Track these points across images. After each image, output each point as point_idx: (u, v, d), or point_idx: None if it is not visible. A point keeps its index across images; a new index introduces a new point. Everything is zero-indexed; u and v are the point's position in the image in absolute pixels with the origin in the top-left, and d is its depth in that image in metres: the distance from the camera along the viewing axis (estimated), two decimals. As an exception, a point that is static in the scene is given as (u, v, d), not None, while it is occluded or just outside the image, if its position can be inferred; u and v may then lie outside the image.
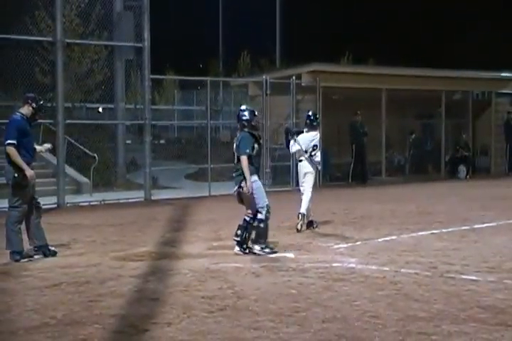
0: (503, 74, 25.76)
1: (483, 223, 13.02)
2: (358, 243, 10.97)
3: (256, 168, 9.95)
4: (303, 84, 20.88)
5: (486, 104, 25.98)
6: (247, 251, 9.90)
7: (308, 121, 12.47)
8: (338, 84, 21.15)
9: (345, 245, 10.78)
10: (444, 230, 12.22)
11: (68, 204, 16.28)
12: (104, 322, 6.56)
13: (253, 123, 10.06)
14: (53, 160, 17.54)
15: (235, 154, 9.91)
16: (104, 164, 19.20)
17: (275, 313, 6.83)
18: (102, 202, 16.71)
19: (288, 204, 16.15)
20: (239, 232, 9.92)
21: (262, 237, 9.81)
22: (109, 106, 22.12)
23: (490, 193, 18.83)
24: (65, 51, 16.90)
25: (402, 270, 8.85)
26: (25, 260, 9.57)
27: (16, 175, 9.45)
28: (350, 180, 21.71)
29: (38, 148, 9.95)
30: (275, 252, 9.88)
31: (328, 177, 22.20)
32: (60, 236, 11.23)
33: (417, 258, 9.64)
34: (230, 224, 12.87)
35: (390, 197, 17.98)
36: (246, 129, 9.98)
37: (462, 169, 24.36)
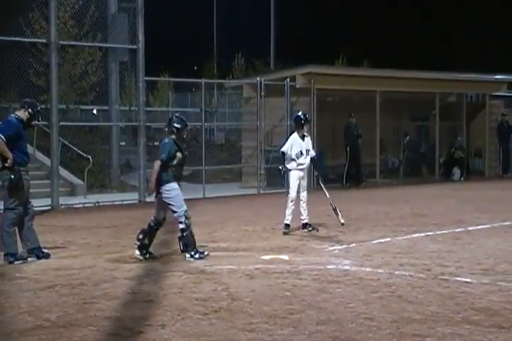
0: (497, 76, 25.85)
1: (478, 225, 13.04)
2: (353, 245, 10.98)
3: (176, 176, 9.71)
4: (297, 86, 20.89)
5: (480, 106, 26.06)
6: (147, 256, 9.72)
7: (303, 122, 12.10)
8: (332, 86, 21.17)
9: (339, 247, 10.79)
10: (438, 232, 12.24)
11: (62, 206, 16.25)
12: (99, 324, 6.56)
13: (183, 136, 9.85)
14: (47, 162, 17.52)
15: None
16: (99, 166, 19.19)
17: (269, 315, 6.83)
18: (96, 204, 16.69)
19: (282, 207, 16.14)
20: (140, 236, 9.75)
21: (189, 245, 9.60)
22: (104, 108, 22.14)
23: (484, 195, 18.87)
24: (59, 53, 16.87)
25: (397, 272, 8.86)
26: (20, 262, 9.54)
27: (13, 176, 9.43)
28: (344, 182, 21.71)
29: None
30: (207, 255, 9.66)
31: (323, 179, 22.15)
32: (54, 238, 11.22)
33: (411, 260, 9.65)
34: (225, 226, 12.89)
35: (385, 199, 18.00)
36: (173, 136, 9.77)
37: (456, 171, 24.41)
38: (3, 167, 9.49)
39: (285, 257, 9.98)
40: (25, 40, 17.70)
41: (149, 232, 9.81)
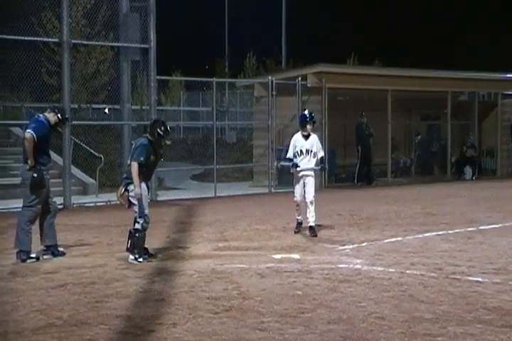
0: (509, 75, 25.72)
1: (490, 224, 13.00)
2: (364, 244, 10.96)
3: (145, 177, 9.64)
4: (308, 85, 20.88)
5: (492, 105, 25.94)
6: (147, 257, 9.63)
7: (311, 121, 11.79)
8: (343, 85, 21.13)
9: (350, 246, 10.78)
10: (449, 231, 12.20)
11: (74, 205, 16.30)
12: (110, 323, 6.57)
13: (162, 143, 9.85)
14: (59, 161, 17.56)
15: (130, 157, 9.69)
16: (110, 165, 19.22)
17: (280, 314, 6.83)
18: (108, 203, 16.73)
19: (293, 206, 16.15)
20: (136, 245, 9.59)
21: (136, 247, 9.48)
22: (115, 107, 22.13)
23: (496, 194, 18.80)
24: (71, 52, 16.92)
25: (408, 271, 8.85)
26: (32, 260, 9.57)
27: (35, 175, 9.55)
28: (355, 181, 21.69)
29: None
30: (148, 261, 9.51)
31: (334, 178, 22.18)
32: (66, 236, 11.25)
33: (422, 259, 9.63)
34: (236, 225, 12.90)
35: (396, 199, 17.96)
36: (150, 137, 9.73)
37: (468, 170, 24.33)
38: (26, 165, 9.61)
39: (296, 256, 9.97)
40: (38, 39, 17.74)
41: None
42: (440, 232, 12.11)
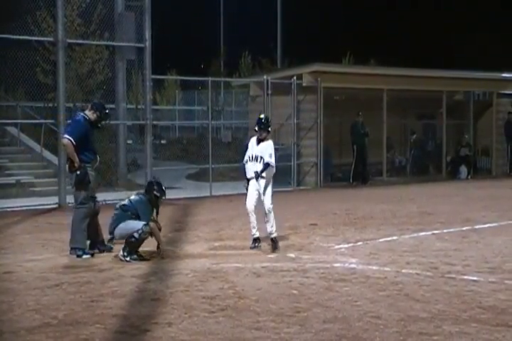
0: (504, 74, 25.76)
1: (485, 223, 13.02)
2: (359, 243, 10.98)
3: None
4: (304, 85, 20.87)
5: (487, 104, 25.96)
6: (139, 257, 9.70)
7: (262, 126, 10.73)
8: (339, 85, 21.14)
9: (346, 245, 10.79)
10: (445, 230, 12.22)
11: (70, 204, 16.24)
12: (106, 323, 6.57)
13: (159, 202, 10.03)
14: (55, 160, 17.55)
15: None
16: (106, 164, 19.17)
17: (276, 313, 6.83)
18: (103, 203, 16.68)
19: (289, 205, 16.13)
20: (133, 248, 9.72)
21: (129, 247, 9.60)
22: (111, 106, 22.12)
23: (491, 194, 18.82)
24: (66, 51, 16.89)
25: (403, 270, 8.86)
26: (88, 256, 9.79)
27: (78, 172, 9.76)
28: (351, 181, 21.68)
29: None
30: (134, 260, 9.57)
31: (330, 177, 22.18)
32: (61, 236, 11.23)
33: (418, 258, 9.64)
34: (232, 224, 12.90)
35: (391, 198, 17.97)
36: (148, 197, 9.91)
37: (463, 170, 24.33)
38: (70, 169, 9.89)
39: (292, 255, 9.98)
40: (33, 38, 17.69)
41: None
42: (435, 231, 12.12)
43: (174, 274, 8.72)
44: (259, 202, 10.53)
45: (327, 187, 20.84)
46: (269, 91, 20.22)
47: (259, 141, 10.69)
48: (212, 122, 21.12)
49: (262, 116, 11.10)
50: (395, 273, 8.71)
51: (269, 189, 10.62)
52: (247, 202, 10.59)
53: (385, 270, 8.88)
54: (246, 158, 10.68)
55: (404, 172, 24.42)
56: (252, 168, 10.52)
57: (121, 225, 9.65)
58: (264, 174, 10.51)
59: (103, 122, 10.43)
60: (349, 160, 21.91)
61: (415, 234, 11.84)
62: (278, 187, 20.24)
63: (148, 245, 9.98)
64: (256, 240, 10.60)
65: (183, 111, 38.44)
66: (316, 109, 20.96)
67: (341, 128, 22.50)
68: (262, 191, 10.50)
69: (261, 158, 10.51)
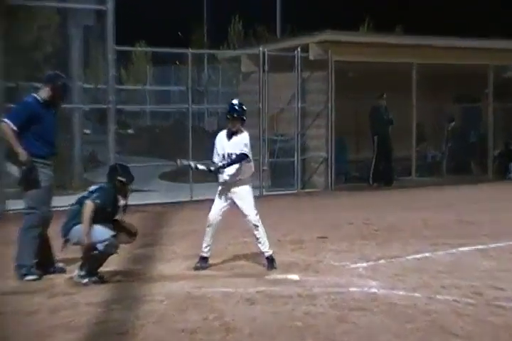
0: None
1: (542, 236, 13.07)
2: (381, 261, 11.00)
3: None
4: (311, 58, 20.89)
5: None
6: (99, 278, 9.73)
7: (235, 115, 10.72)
8: (355, 59, 21.12)
9: (364, 264, 10.81)
10: (491, 245, 12.24)
11: (11, 212, 16.23)
12: (57, 363, 6.57)
13: (127, 191, 9.97)
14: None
15: None
16: (57, 160, 19.14)
17: (275, 351, 6.85)
18: (53, 209, 16.67)
19: (291, 212, 16.15)
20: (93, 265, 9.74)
21: (88, 264, 9.62)
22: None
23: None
24: (5, 16, 16.85)
25: (438, 296, 8.87)
26: (32, 277, 9.74)
27: (24, 167, 9.71)
28: (371, 182, 21.72)
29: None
30: (94, 282, 9.60)
31: (343, 177, 22.21)
32: (3, 251, 11.23)
33: (456, 281, 9.66)
34: (218, 237, 12.86)
35: (423, 203, 17.99)
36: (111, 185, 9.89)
37: (515, 167, 24.43)
38: (16, 163, 9.87)
39: (295, 277, 10.00)
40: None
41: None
42: (479, 246, 12.14)
43: (145, 301, 8.72)
44: (230, 214, 10.67)
45: (340, 189, 20.85)
46: (266, 67, 20.22)
47: (231, 135, 10.67)
48: (193, 106, 21.13)
49: (235, 101, 11.01)
50: (426, 299, 8.72)
51: (249, 195, 10.65)
52: (210, 212, 10.69)
53: (414, 296, 8.89)
54: (215, 158, 10.67)
55: (438, 171, 24.47)
56: (227, 169, 10.51)
57: (79, 228, 9.61)
58: (232, 170, 10.48)
59: (63, 96, 10.29)
60: (368, 154, 21.94)
61: (453, 250, 11.86)
62: (277, 190, 20.41)
63: (113, 262, 9.98)
64: (203, 259, 10.67)
65: (155, 93, 38.41)
66: (326, 90, 20.97)
67: (358, 114, 22.51)
68: (238, 200, 10.56)
69: (231, 155, 10.53)
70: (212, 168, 10.55)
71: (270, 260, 10.59)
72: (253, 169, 10.77)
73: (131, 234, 9.97)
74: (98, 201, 9.57)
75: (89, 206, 9.53)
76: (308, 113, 21.25)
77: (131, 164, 19.97)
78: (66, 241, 9.79)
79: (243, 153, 10.45)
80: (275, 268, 10.50)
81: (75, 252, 9.85)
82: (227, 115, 10.77)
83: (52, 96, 10.04)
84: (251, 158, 10.60)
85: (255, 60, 20.75)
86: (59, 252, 10.20)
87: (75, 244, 9.72)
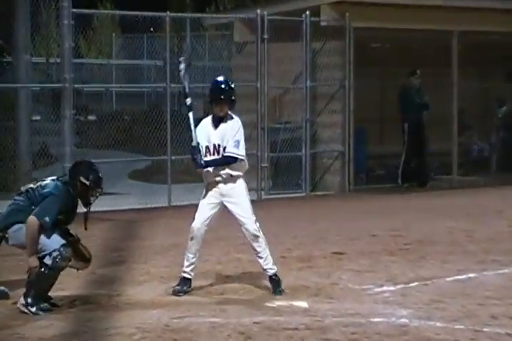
0: None
1: None
2: (414, 284, 11.00)
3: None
4: (323, 24, 20.87)
5: None
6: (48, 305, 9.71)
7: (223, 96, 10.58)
8: (380, 25, 21.12)
9: (392, 288, 10.82)
10: (554, 264, 12.28)
11: None
12: None
13: (90, 196, 9.92)
14: None
15: None
16: (-2, 155, 19.20)
17: None
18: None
19: (299, 220, 16.18)
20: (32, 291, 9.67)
21: (34, 288, 9.54)
22: (5, 59, 22.11)
23: None
24: None
25: (486, 329, 8.86)
26: None
27: None
28: (400, 182, 21.72)
29: None
30: (44, 311, 9.58)
31: (365, 176, 22.21)
32: None
33: (509, 309, 9.66)
34: (205, 253, 12.86)
35: (466, 210, 17.99)
36: (69, 187, 9.87)
37: None
38: None
39: (303, 304, 9.99)
40: None
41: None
42: (538, 265, 12.18)
43: (110, 335, 8.70)
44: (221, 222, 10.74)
45: (360, 191, 20.86)
46: (266, 36, 20.21)
47: (218, 122, 10.61)
48: (173, 85, 21.09)
49: (220, 78, 10.90)
50: (471, 333, 8.71)
51: (245, 197, 10.66)
52: (194, 221, 10.65)
53: (455, 328, 8.87)
54: (203, 148, 10.57)
55: (486, 168, 24.47)
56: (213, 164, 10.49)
57: (23, 226, 9.58)
58: (226, 170, 10.45)
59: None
60: (397, 148, 21.94)
61: (505, 270, 11.89)
62: (281, 192, 20.37)
63: (70, 285, 9.96)
64: (185, 281, 10.63)
65: (123, 68, 38.38)
66: (342, 65, 20.96)
67: (384, 97, 22.53)
68: (231, 204, 10.57)
69: (224, 148, 10.45)
70: (193, 144, 10.47)
71: (275, 281, 10.55)
72: (247, 166, 10.71)
73: (85, 259, 9.95)
74: (47, 220, 9.52)
75: (33, 224, 9.49)
76: (320, 94, 21.26)
77: (95, 160, 20.11)
78: (2, 237, 9.74)
79: (230, 156, 10.38)
80: (282, 291, 10.48)
81: (21, 272, 9.84)
82: (211, 97, 10.64)
83: None
84: (244, 155, 10.52)
85: (252, 26, 20.73)
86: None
87: (14, 245, 9.73)
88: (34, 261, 9.46)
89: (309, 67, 20.77)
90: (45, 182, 9.91)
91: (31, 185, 9.87)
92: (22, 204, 9.73)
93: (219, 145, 10.45)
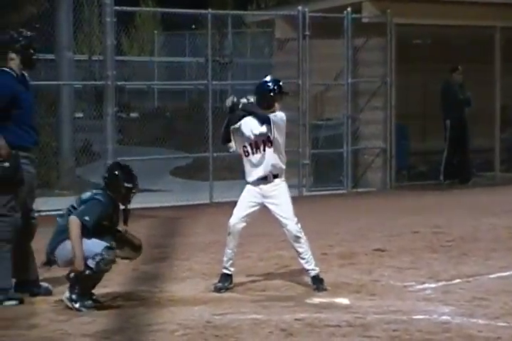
0: None
1: None
2: (456, 281, 10.97)
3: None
4: (364, 21, 20.83)
5: None
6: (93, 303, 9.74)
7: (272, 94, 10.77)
8: (422, 21, 21.06)
9: (433, 285, 10.79)
10: None
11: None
12: None
13: (129, 197, 9.96)
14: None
15: None
16: (40, 152, 19.24)
17: None
18: (37, 215, 16.72)
19: (340, 218, 16.14)
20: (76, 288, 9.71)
21: (78, 285, 9.59)
22: (48, 56, 22.18)
23: None
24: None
25: (530, 326, 8.83)
26: (12, 303, 9.75)
27: (7, 164, 9.68)
28: (442, 179, 21.65)
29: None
30: (88, 307, 9.59)
31: (406, 173, 22.14)
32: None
33: (554, 306, 9.62)
34: (246, 249, 12.88)
35: (508, 207, 17.89)
36: (109, 192, 9.90)
37: None
38: None
39: (345, 301, 9.99)
40: None
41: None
42: None
43: (152, 331, 8.71)
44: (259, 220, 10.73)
45: (402, 188, 20.81)
46: (308, 33, 20.19)
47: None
48: (215, 83, 21.12)
49: (268, 78, 11.08)
50: (514, 330, 8.68)
51: (287, 198, 10.64)
52: (232, 216, 10.67)
53: (498, 325, 8.83)
54: (244, 145, 10.60)
55: (529, 164, 24.34)
56: (257, 164, 10.50)
57: (69, 244, 9.63)
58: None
59: (35, 59, 10.20)
60: (439, 144, 21.86)
61: (549, 266, 11.83)
62: (322, 189, 20.34)
63: (112, 282, 10.00)
64: (226, 278, 10.64)
65: (165, 66, 38.46)
66: (384, 61, 20.90)
67: (426, 93, 22.44)
68: (272, 205, 10.56)
69: (270, 143, 10.43)
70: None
71: (318, 280, 10.55)
72: (283, 165, 10.63)
73: (135, 247, 9.97)
74: (87, 218, 9.57)
75: (74, 223, 9.55)
76: (362, 91, 21.22)
77: (136, 157, 20.20)
78: (50, 261, 9.84)
79: (268, 116, 10.35)
80: (325, 289, 10.48)
81: (64, 269, 9.87)
82: (272, 93, 10.72)
83: (24, 60, 10.02)
84: (282, 147, 10.54)
85: (293, 23, 20.72)
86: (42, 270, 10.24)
87: (65, 266, 9.73)
88: (80, 265, 9.45)
89: (351, 63, 20.75)
90: (83, 196, 9.95)
91: (72, 204, 9.90)
92: (64, 224, 9.75)
93: (262, 141, 10.43)
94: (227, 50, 32.28)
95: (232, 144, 10.62)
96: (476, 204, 18.55)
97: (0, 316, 9.37)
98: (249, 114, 10.52)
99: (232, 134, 10.57)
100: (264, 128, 10.39)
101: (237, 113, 10.57)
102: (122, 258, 9.86)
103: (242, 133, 10.55)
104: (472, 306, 9.65)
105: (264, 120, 10.35)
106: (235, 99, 10.57)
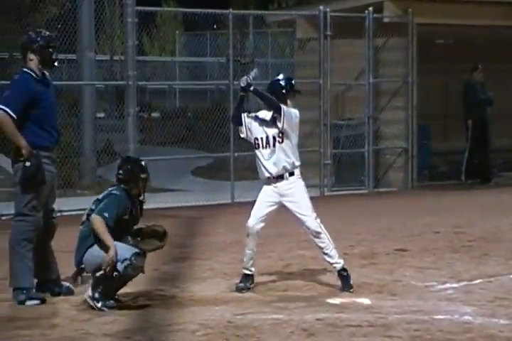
0: None
1: None
2: (478, 281, 10.94)
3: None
4: (385, 20, 20.81)
5: None
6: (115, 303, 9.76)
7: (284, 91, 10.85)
8: (444, 20, 21.02)
9: (455, 285, 10.77)
10: None
11: (3, 218, 16.34)
12: None
13: (141, 186, 10.05)
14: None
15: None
16: (62, 152, 19.28)
17: None
18: (58, 214, 16.75)
19: (362, 217, 16.12)
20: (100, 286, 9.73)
21: (102, 286, 9.60)
22: (70, 57, 22.24)
23: None
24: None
25: (552, 326, 8.80)
26: (34, 302, 9.78)
27: (28, 163, 9.70)
28: (463, 178, 21.61)
29: None
30: (109, 307, 9.62)
31: (428, 173, 22.10)
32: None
33: None
34: (267, 249, 12.89)
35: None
36: (124, 186, 9.95)
37: None
38: (14, 158, 9.90)
39: (366, 301, 9.99)
40: None
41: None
42: None
43: (173, 331, 8.72)
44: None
45: (423, 188, 20.78)
46: (329, 32, 20.18)
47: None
48: (236, 83, 21.10)
49: (281, 76, 11.22)
50: (537, 330, 8.65)
51: (305, 194, 10.63)
52: (250, 217, 10.65)
53: (520, 325, 8.82)
54: (254, 139, 10.67)
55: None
56: (267, 158, 10.52)
57: (95, 250, 9.64)
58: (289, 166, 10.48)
59: (54, 58, 10.20)
60: (460, 144, 21.82)
61: None
62: (343, 189, 20.32)
63: (133, 281, 10.01)
64: (247, 278, 10.63)
65: (187, 66, 38.48)
66: (405, 61, 20.87)
67: (447, 93, 22.38)
68: (290, 203, 10.55)
69: (281, 139, 10.45)
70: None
71: (344, 276, 10.51)
72: (296, 162, 10.60)
73: (160, 235, 9.97)
74: (106, 215, 9.61)
75: (97, 221, 9.60)
76: (383, 91, 21.19)
77: (158, 157, 20.23)
78: (81, 270, 9.87)
79: (279, 105, 10.39)
80: (351, 287, 10.44)
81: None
82: (284, 90, 10.79)
83: (43, 61, 10.07)
84: (295, 143, 10.55)
85: (314, 23, 20.71)
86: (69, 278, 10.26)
87: (90, 271, 9.74)
88: (113, 255, 9.45)
89: (372, 63, 20.74)
90: (101, 195, 9.98)
91: (91, 207, 9.91)
92: (86, 230, 9.78)
93: (273, 138, 10.49)
94: (248, 49, 32.32)
95: (244, 129, 10.73)
96: (497, 204, 18.50)
97: (22, 316, 9.42)
98: (261, 97, 10.68)
99: (243, 119, 10.68)
100: (275, 121, 10.47)
101: (250, 93, 10.76)
102: (151, 251, 9.88)
103: (254, 126, 10.66)
104: (494, 306, 9.63)
105: (276, 107, 10.44)
106: (250, 79, 10.69)
